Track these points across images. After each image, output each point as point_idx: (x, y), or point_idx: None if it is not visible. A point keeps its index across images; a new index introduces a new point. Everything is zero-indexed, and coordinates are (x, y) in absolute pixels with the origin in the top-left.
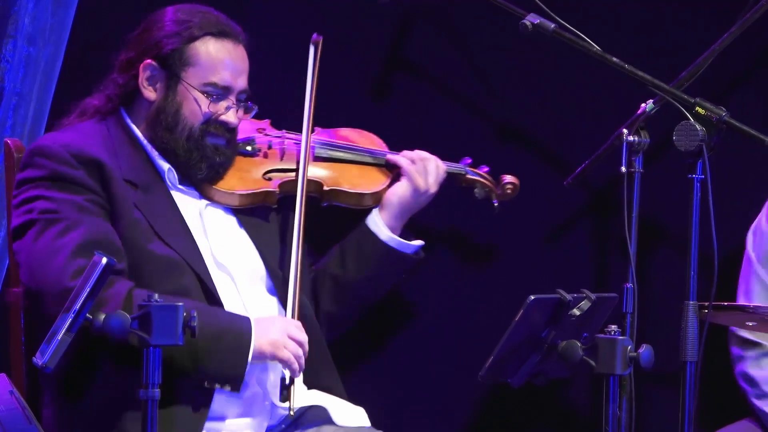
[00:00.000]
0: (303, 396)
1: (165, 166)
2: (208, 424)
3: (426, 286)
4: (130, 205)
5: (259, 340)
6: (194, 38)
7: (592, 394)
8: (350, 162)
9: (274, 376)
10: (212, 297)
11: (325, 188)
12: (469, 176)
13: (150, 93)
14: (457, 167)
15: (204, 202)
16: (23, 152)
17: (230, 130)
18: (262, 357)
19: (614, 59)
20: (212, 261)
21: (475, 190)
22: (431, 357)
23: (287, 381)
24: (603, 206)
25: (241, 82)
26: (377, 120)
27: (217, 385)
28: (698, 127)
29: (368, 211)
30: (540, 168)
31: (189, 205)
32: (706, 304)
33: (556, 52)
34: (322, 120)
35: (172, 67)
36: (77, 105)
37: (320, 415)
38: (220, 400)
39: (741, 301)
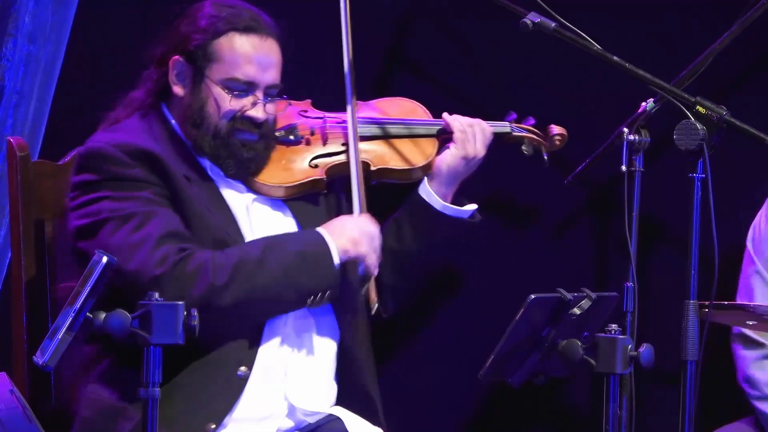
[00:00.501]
0: (325, 407)
1: (207, 163)
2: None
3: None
4: (188, 198)
5: (339, 242)
6: (219, 34)
7: (592, 393)
8: (395, 136)
9: (292, 378)
10: None
11: (373, 168)
12: (515, 133)
13: (179, 89)
14: (502, 126)
15: (251, 195)
16: (26, 150)
17: (258, 125)
18: (345, 256)
19: (615, 58)
20: None
21: (523, 147)
22: (430, 357)
23: (361, 276)
24: (603, 205)
25: (269, 77)
26: None
27: (320, 296)
28: (699, 126)
29: (418, 182)
30: (540, 166)
31: (236, 199)
32: (707, 303)
33: (557, 51)
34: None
35: (198, 63)
36: (121, 98)
37: (337, 427)
38: (244, 398)
39: (741, 299)
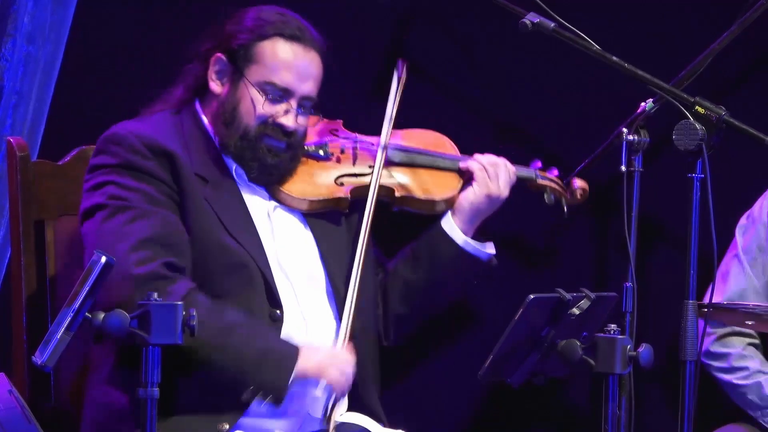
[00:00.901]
0: (340, 415)
1: (233, 165)
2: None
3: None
4: (200, 199)
5: (304, 362)
6: (264, 37)
7: (591, 393)
8: (422, 167)
9: (315, 389)
10: (273, 298)
11: (397, 195)
12: (539, 181)
13: (216, 86)
14: (527, 171)
15: (273, 203)
16: (25, 150)
17: (288, 133)
18: (305, 377)
19: (614, 58)
20: (276, 263)
21: (545, 195)
22: (430, 356)
23: (330, 402)
24: (603, 205)
25: (306, 88)
26: (378, 119)
27: (259, 397)
28: (698, 126)
29: (438, 215)
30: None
31: (258, 204)
32: (706, 303)
33: (556, 51)
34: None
35: (238, 62)
36: (160, 94)
37: (355, 428)
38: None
39: (717, 283)
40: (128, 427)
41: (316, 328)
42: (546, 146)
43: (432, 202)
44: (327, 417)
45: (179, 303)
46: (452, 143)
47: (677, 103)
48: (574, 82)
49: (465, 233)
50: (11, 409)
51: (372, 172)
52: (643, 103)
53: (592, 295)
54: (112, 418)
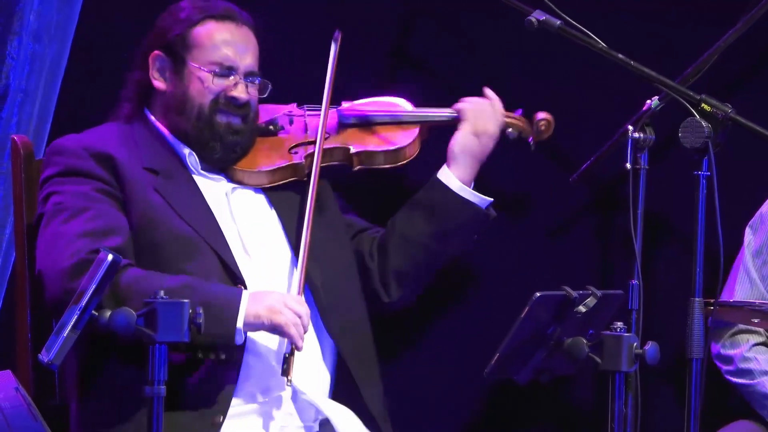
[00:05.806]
0: (323, 405)
1: (186, 150)
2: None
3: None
4: (149, 189)
5: (254, 306)
6: (195, 22)
7: (597, 391)
8: (378, 124)
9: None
10: (236, 278)
11: (352, 151)
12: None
13: (161, 83)
14: None
15: (231, 185)
16: (30, 149)
17: (241, 106)
18: (257, 321)
19: (619, 56)
20: (239, 244)
21: (508, 131)
22: (435, 354)
23: (287, 352)
24: (608, 203)
25: (247, 61)
26: None
27: (212, 356)
28: (704, 123)
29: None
30: (545, 164)
31: (214, 189)
32: (712, 301)
33: (562, 49)
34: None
35: (178, 52)
36: (112, 113)
37: None
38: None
39: (724, 291)
40: (118, 427)
41: None
42: (552, 144)
43: (390, 153)
44: (285, 369)
45: (185, 301)
46: (410, 104)
47: (683, 101)
48: (579, 79)
49: (462, 180)
50: (17, 406)
51: (325, 138)
52: (648, 101)
53: (599, 293)
54: (103, 417)
